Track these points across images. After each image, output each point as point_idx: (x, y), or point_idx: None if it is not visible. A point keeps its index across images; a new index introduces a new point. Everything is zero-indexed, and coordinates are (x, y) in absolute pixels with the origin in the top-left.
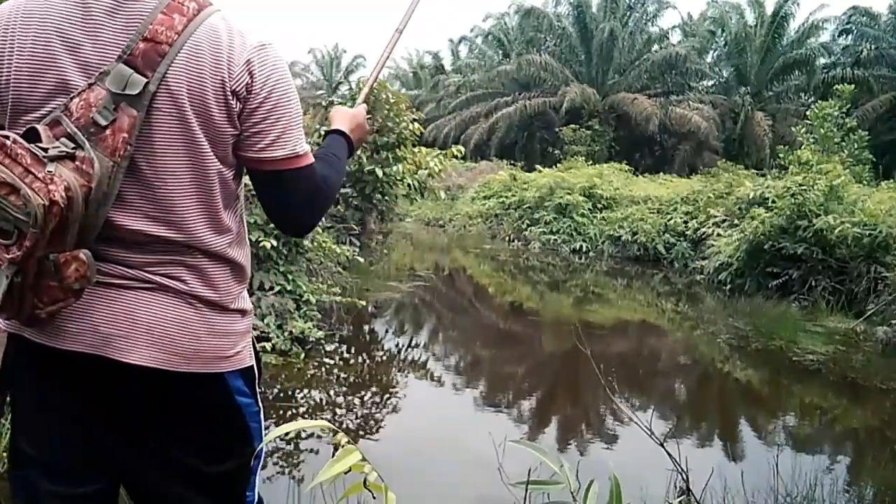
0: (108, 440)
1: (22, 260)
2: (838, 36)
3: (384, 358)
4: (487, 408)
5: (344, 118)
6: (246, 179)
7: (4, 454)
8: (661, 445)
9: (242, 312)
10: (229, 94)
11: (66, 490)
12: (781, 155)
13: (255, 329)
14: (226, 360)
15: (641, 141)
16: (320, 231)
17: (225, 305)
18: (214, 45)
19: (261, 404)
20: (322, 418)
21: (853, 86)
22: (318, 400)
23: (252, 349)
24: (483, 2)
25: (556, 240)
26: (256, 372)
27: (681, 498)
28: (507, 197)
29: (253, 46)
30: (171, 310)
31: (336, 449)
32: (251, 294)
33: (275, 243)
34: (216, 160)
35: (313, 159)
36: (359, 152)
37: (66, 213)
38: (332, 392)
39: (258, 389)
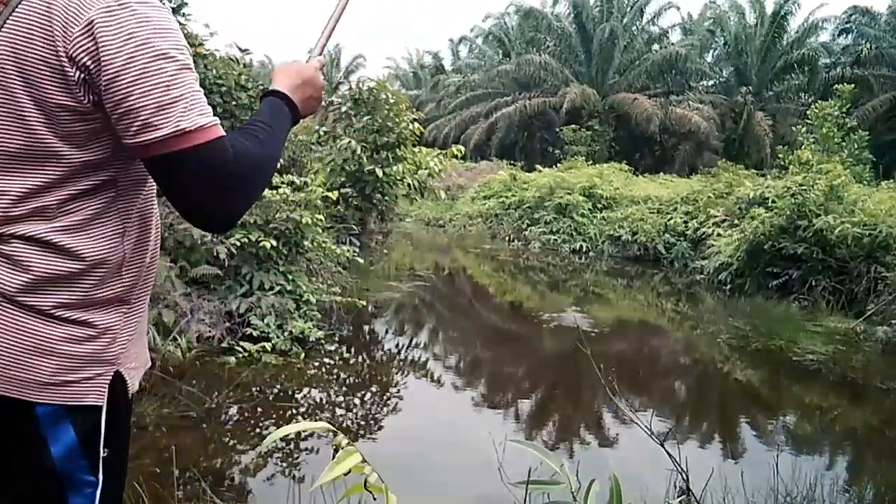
0: None
1: None
2: (838, 35)
3: (384, 358)
4: (487, 408)
5: (285, 76)
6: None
7: None
8: (661, 445)
9: (90, 327)
10: (64, 59)
11: None
12: (781, 155)
13: (254, 329)
14: (43, 389)
15: (641, 141)
16: (320, 231)
17: (48, 311)
18: (48, 2)
19: (101, 476)
20: (322, 418)
21: (853, 85)
22: (318, 400)
23: (107, 389)
24: (483, 2)
25: (556, 240)
26: (104, 425)
27: (681, 498)
28: (507, 197)
29: (101, 7)
30: None
31: (336, 450)
32: (251, 294)
33: (274, 243)
34: (54, 138)
35: (221, 133)
36: (359, 151)
37: None
38: (332, 392)
39: (102, 453)
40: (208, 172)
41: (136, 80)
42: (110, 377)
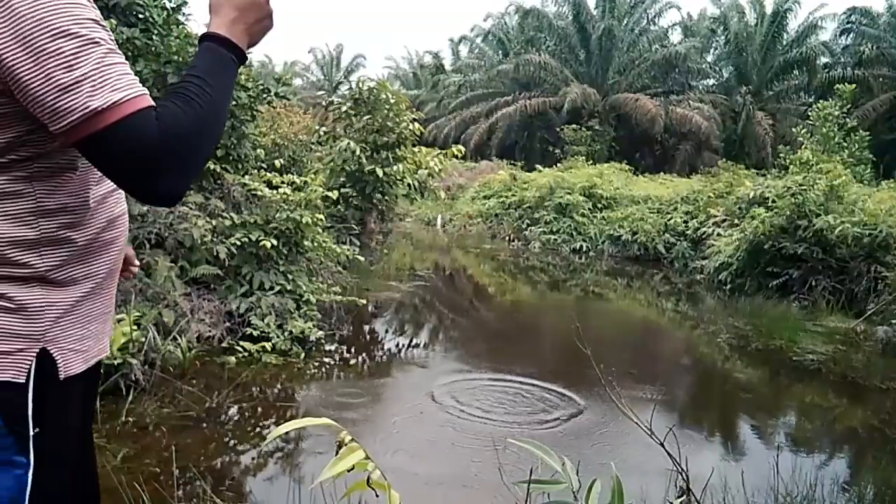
0: None
1: None
2: (839, 35)
3: (384, 358)
4: (487, 407)
5: (218, 11)
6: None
7: None
8: (661, 445)
9: (5, 300)
10: None
11: None
12: (782, 155)
13: (254, 329)
14: None
15: (642, 141)
16: (320, 231)
17: None
18: None
19: (32, 458)
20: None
21: (854, 85)
22: (318, 400)
23: (31, 366)
24: (483, 2)
25: (556, 239)
26: (31, 404)
27: (681, 498)
28: (507, 197)
29: None
30: None
31: (339, 447)
32: (251, 294)
33: (275, 243)
34: None
35: (143, 105)
36: (358, 152)
37: None
38: (332, 392)
39: (31, 431)
40: (131, 150)
41: (35, 65)
42: (34, 354)
